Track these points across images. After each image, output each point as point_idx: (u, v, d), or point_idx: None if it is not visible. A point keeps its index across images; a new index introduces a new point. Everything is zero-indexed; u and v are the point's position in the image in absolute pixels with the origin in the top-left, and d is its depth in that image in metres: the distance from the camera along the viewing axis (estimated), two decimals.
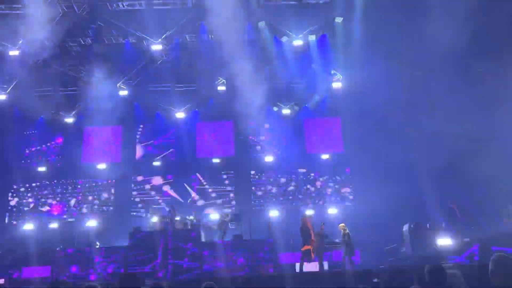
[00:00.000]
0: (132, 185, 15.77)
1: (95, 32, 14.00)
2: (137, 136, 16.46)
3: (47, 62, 14.17)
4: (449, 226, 11.98)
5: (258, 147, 16.32)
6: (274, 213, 15.02)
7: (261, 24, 13.96)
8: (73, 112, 16.19)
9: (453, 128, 13.02)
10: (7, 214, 15.27)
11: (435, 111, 13.75)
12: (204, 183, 15.89)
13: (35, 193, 15.57)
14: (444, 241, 10.94)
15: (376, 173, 13.95)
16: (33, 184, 15.67)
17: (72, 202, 15.55)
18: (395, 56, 13.11)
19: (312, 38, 14.59)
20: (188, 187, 15.81)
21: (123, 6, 13.59)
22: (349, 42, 14.37)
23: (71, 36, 14.09)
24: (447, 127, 13.39)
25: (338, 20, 13.96)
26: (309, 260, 10.87)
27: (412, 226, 12.17)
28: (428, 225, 12.03)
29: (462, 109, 12.83)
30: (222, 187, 15.84)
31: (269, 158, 16.03)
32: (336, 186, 15.84)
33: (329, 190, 15.77)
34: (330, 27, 14.32)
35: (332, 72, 15.41)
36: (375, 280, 5.64)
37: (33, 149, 16.14)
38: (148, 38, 14.43)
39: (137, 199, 15.64)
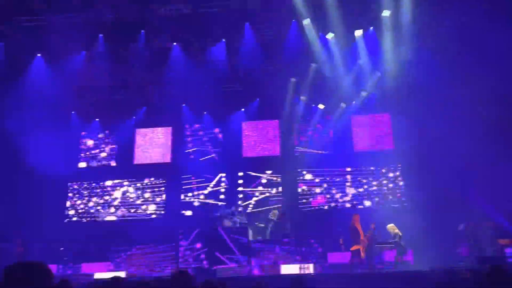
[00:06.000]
0: (182, 186, 16.15)
1: (144, 37, 14.48)
2: (186, 137, 16.84)
3: (101, 68, 14.83)
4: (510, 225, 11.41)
5: (305, 146, 16.21)
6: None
7: (306, 21, 13.82)
8: (126, 115, 16.82)
9: None
10: (66, 212, 16.09)
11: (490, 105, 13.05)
12: (249, 182, 15.97)
13: (91, 193, 16.32)
14: None
15: (428, 170, 13.43)
16: (88, 184, 16.42)
17: (118, 201, 16.16)
18: (448, 50, 12.53)
19: (359, 33, 14.28)
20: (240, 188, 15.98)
21: (170, 11, 13.91)
22: (397, 36, 13.94)
23: (121, 41, 14.64)
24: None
25: (386, 13, 13.56)
26: (360, 260, 10.71)
27: (468, 225, 11.69)
28: (485, 224, 11.50)
29: None
30: (268, 185, 15.86)
31: (315, 157, 15.90)
32: (386, 184, 15.40)
33: (379, 188, 15.36)
34: (378, 21, 13.93)
35: (380, 67, 14.99)
36: (430, 281, 5.47)
37: (87, 151, 16.93)
38: (195, 41, 14.74)
39: (186, 199, 16.00)
